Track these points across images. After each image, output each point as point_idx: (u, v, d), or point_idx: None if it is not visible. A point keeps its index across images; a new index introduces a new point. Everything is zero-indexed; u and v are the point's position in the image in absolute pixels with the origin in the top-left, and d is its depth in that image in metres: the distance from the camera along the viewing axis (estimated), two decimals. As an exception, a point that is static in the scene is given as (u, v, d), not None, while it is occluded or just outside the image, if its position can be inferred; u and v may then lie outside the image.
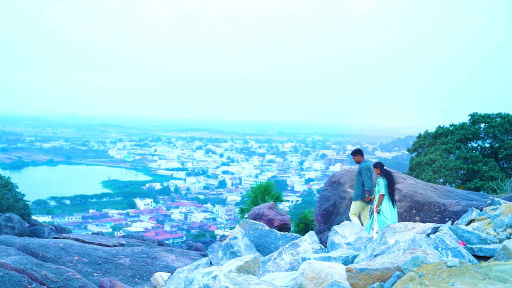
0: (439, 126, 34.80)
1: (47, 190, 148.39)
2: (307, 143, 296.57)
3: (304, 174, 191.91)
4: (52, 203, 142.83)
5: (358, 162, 14.79)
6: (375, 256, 6.25)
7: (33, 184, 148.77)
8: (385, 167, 14.20)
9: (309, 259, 6.90)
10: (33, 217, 45.01)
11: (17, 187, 42.03)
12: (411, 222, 7.60)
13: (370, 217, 14.17)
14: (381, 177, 13.80)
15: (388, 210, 13.51)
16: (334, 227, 8.92)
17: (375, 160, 17.36)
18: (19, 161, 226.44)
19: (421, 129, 38.56)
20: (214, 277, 6.34)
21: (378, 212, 13.55)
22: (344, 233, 8.65)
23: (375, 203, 13.77)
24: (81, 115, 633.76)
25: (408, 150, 37.18)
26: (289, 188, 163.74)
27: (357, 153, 14.84)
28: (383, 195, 13.58)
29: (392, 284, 4.83)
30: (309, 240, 8.49)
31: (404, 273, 4.91)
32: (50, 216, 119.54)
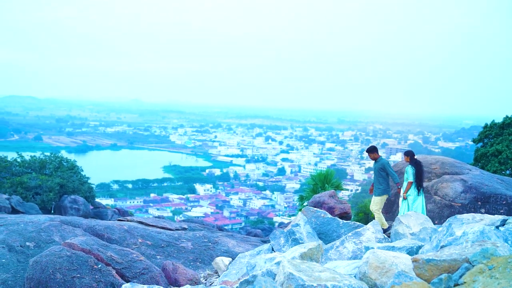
0: (507, 116, 33.81)
1: (110, 174, 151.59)
2: (367, 132, 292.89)
3: (364, 163, 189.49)
4: (115, 186, 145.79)
5: (374, 159, 15.26)
6: (442, 247, 6.13)
7: (97, 167, 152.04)
8: (415, 156, 14.88)
9: (372, 248, 6.84)
10: (97, 199, 46.01)
11: (82, 170, 42.92)
12: (479, 214, 7.43)
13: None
14: (410, 166, 14.49)
15: (412, 197, 14.23)
16: (398, 216, 8.81)
17: (437, 151, 17.72)
18: (84, 145, 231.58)
19: (487, 119, 37.55)
20: (277, 263, 6.35)
21: (405, 198, 14.30)
22: (409, 223, 8.52)
23: (403, 189, 14.48)
24: (144, 100, 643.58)
25: (473, 141, 36.26)
26: (348, 177, 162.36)
27: (374, 150, 15.31)
28: (412, 182, 14.29)
29: (461, 276, 4.74)
30: (373, 229, 8.41)
31: (473, 265, 4.81)
32: (112, 199, 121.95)
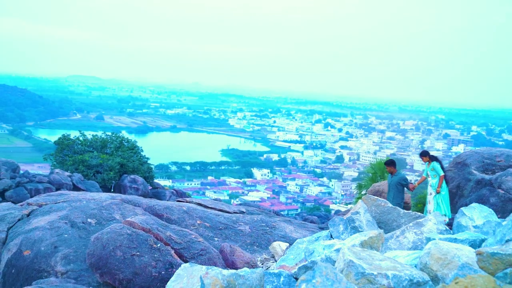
0: None
1: (169, 155, 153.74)
2: (429, 122, 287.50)
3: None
4: (173, 168, 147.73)
5: (391, 173, 15.57)
6: (507, 241, 5.98)
7: (156, 148, 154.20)
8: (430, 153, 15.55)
9: (434, 239, 6.72)
10: (155, 180, 46.55)
11: (142, 151, 43.39)
12: (547, 209, 7.21)
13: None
14: (434, 162, 14.97)
15: (444, 191, 14.73)
16: (461, 208, 8.63)
17: (501, 143, 18.10)
18: (144, 126, 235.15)
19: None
20: (337, 250, 6.32)
21: (439, 193, 14.60)
22: (472, 215, 8.34)
23: (431, 185, 14.95)
24: (204, 84, 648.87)
25: (540, 134, 35.15)
26: (408, 167, 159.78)
27: (392, 164, 15.68)
28: (444, 176, 14.71)
29: (527, 272, 4.61)
30: (434, 220, 8.25)
31: (541, 261, 4.67)
32: (170, 181, 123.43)
